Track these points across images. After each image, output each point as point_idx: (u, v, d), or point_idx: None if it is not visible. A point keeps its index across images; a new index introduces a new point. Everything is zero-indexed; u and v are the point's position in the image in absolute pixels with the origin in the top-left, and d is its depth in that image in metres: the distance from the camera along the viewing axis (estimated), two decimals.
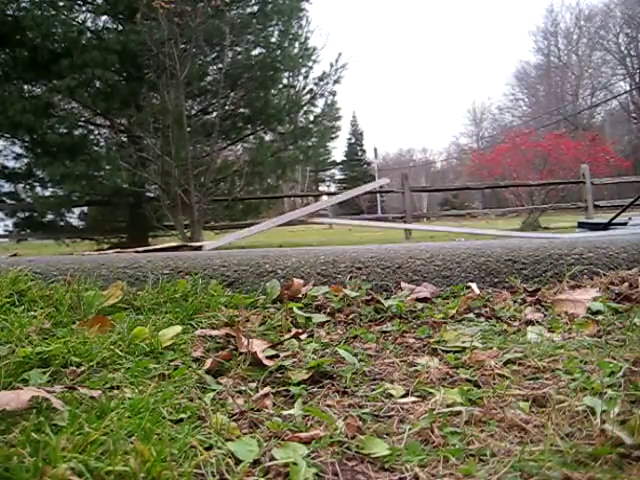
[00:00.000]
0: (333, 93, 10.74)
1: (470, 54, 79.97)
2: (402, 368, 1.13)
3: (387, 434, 0.83)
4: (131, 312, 1.53)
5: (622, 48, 36.08)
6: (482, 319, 1.47)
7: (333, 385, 1.05)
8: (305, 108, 10.72)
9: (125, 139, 9.51)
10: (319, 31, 23.94)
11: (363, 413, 0.91)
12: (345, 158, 43.68)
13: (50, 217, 9.87)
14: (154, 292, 1.66)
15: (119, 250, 3.39)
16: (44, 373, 1.04)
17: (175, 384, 1.02)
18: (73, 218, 10.20)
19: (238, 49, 9.80)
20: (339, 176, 44.60)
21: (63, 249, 9.78)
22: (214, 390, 1.01)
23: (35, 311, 1.46)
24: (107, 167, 8.82)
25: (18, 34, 8.50)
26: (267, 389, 1.01)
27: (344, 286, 1.73)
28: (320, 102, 10.99)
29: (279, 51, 9.94)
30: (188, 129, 8.40)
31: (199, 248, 3.57)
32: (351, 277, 1.83)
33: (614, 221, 4.79)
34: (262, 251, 2.14)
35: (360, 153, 44.02)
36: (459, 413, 0.87)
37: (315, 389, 1.04)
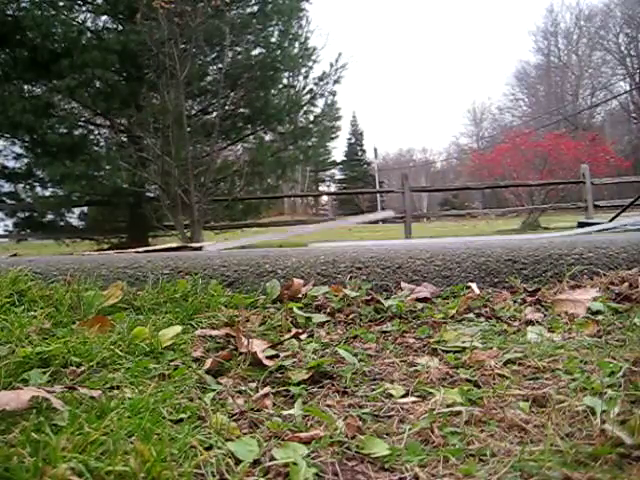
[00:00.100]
0: (333, 93, 10.74)
1: (470, 54, 79.97)
2: (402, 368, 1.13)
3: (387, 434, 0.83)
4: (131, 312, 1.53)
5: (622, 48, 36.09)
6: (482, 319, 1.47)
7: (333, 385, 1.05)
8: (305, 108, 10.71)
9: (125, 139, 9.50)
10: (319, 31, 24.03)
11: (363, 413, 0.91)
12: (345, 158, 43.67)
13: (50, 217, 9.87)
14: (154, 292, 1.66)
15: (119, 250, 3.39)
16: (44, 373, 1.04)
17: (175, 384, 1.02)
18: (73, 218, 10.20)
19: (238, 49, 9.79)
20: (339, 176, 44.60)
21: (63, 249, 9.78)
22: (214, 390, 1.01)
23: (35, 311, 1.46)
24: (107, 167, 8.82)
25: (18, 34, 8.50)
26: (267, 389, 1.01)
27: (344, 286, 1.73)
28: (320, 102, 11.01)
29: (279, 51, 9.94)
30: (188, 129, 8.40)
31: (199, 249, 3.57)
32: (351, 277, 1.83)
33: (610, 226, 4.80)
34: (262, 251, 2.14)
35: (360, 153, 44.00)
36: (459, 413, 0.87)
37: (315, 389, 1.04)
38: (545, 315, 1.48)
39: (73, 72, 8.25)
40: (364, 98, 78.29)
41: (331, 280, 1.83)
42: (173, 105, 8.11)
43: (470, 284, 1.76)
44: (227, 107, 9.77)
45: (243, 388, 1.03)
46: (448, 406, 0.90)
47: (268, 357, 1.16)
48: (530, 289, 1.73)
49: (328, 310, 1.58)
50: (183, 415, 0.87)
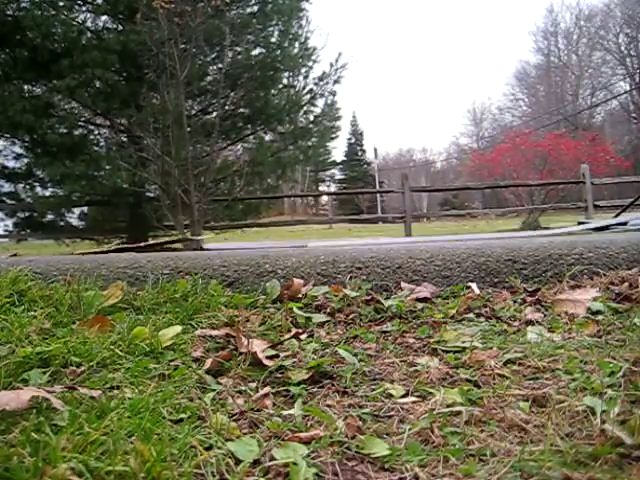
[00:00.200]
0: (333, 93, 10.74)
1: (470, 54, 79.98)
2: (402, 368, 1.13)
3: (387, 434, 0.83)
4: (131, 312, 1.53)
5: (622, 48, 36.09)
6: (482, 319, 1.47)
7: (333, 385, 1.05)
8: (305, 108, 10.71)
9: (125, 139, 9.50)
10: (319, 31, 24.02)
11: (363, 413, 0.91)
12: (345, 158, 43.67)
13: (50, 217, 9.86)
14: (154, 292, 1.66)
15: (119, 248, 3.39)
16: (44, 373, 1.04)
17: (175, 384, 1.02)
18: (73, 218, 10.20)
19: (238, 49, 9.79)
20: (339, 176, 44.60)
21: (63, 249, 9.78)
22: (214, 390, 1.01)
23: (35, 311, 1.46)
24: (107, 167, 8.82)
25: (18, 34, 8.49)
26: (267, 389, 1.01)
27: (344, 286, 1.73)
28: (320, 102, 11.01)
29: (279, 51, 9.94)
30: (188, 129, 8.40)
31: (200, 242, 3.58)
32: (351, 277, 1.83)
33: (614, 222, 4.79)
34: (262, 251, 2.14)
35: (360, 153, 44.00)
36: (459, 413, 0.87)
37: (315, 389, 1.04)
38: (545, 315, 1.48)
39: (73, 72, 8.24)
40: (364, 98, 78.31)
41: (331, 280, 1.83)
42: (173, 105, 8.11)
43: (470, 284, 1.76)
44: (227, 107, 9.76)
45: (243, 388, 1.03)
46: (448, 406, 0.90)
47: (268, 357, 1.16)
48: (530, 289, 1.73)
49: (328, 310, 1.58)
50: (183, 415, 0.87)
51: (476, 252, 1.92)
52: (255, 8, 9.99)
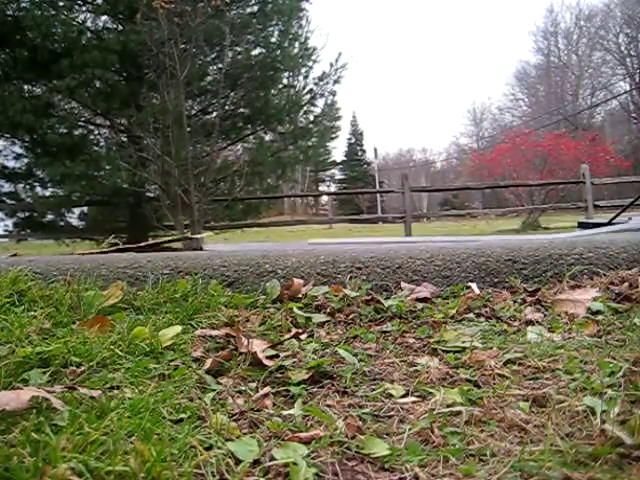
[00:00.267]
0: (333, 93, 10.74)
1: (470, 54, 79.97)
2: (402, 368, 1.13)
3: (387, 434, 0.83)
4: (131, 312, 1.53)
5: (622, 48, 36.09)
6: (482, 319, 1.47)
7: (333, 385, 1.05)
8: (305, 108, 10.71)
9: (125, 139, 9.50)
10: (319, 31, 23.99)
11: (363, 413, 0.91)
12: (345, 158, 43.66)
13: (50, 217, 9.86)
14: (154, 292, 1.66)
15: (119, 248, 3.40)
16: (44, 373, 1.04)
17: (175, 384, 1.02)
18: (73, 218, 10.20)
19: (238, 49, 9.79)
20: (339, 176, 44.60)
21: (63, 249, 9.78)
22: (214, 390, 1.01)
23: (35, 311, 1.46)
24: (107, 167, 8.82)
25: (18, 34, 8.49)
26: (267, 389, 1.01)
27: (344, 286, 1.73)
28: (320, 102, 11.01)
29: (279, 51, 9.93)
30: (188, 129, 8.40)
31: (200, 240, 3.58)
32: (351, 277, 1.83)
33: (614, 221, 4.80)
34: (262, 251, 2.14)
35: (360, 153, 43.99)
36: (459, 413, 0.87)
37: (315, 389, 1.04)
38: (545, 315, 1.48)
39: (73, 72, 8.24)
40: (364, 98, 78.31)
41: (331, 280, 1.83)
42: (173, 105, 8.11)
43: (470, 284, 1.76)
44: (227, 107, 9.77)
45: (243, 388, 1.03)
46: (448, 406, 0.90)
47: (268, 357, 1.16)
48: (530, 289, 1.73)
49: (328, 310, 1.58)
50: (183, 415, 0.87)
51: (476, 252, 1.92)
52: (255, 8, 9.99)
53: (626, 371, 0.96)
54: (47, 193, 9.61)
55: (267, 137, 10.71)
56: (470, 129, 48.47)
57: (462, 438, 0.80)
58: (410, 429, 0.84)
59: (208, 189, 8.74)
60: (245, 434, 0.83)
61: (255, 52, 10.01)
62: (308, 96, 10.59)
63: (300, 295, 1.67)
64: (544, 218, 13.82)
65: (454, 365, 1.12)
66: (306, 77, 10.99)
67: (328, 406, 0.95)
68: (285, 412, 0.92)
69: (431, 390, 0.98)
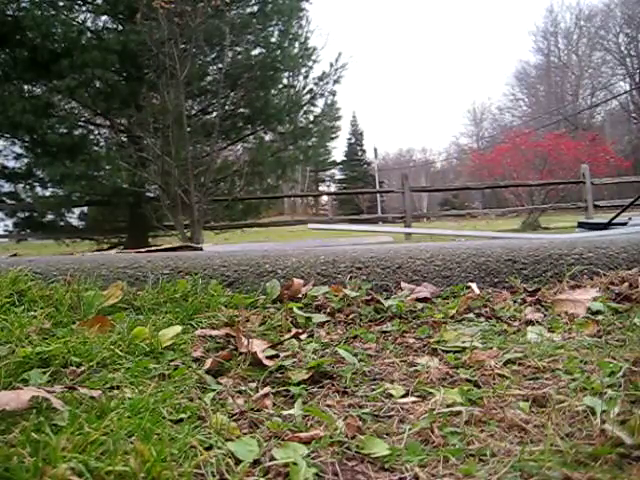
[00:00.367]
0: (333, 93, 10.74)
1: (470, 54, 79.99)
2: (402, 368, 1.13)
3: (387, 434, 0.83)
4: (131, 312, 1.53)
5: (622, 48, 36.08)
6: (482, 319, 1.47)
7: (333, 385, 1.05)
8: (305, 108, 10.71)
9: (125, 139, 9.50)
10: (319, 31, 23.96)
11: (363, 413, 0.91)
12: (345, 158, 43.64)
13: (50, 217, 9.86)
14: (154, 292, 1.66)
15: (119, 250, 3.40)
16: (44, 373, 1.04)
17: (175, 384, 1.02)
18: (73, 218, 10.20)
19: (238, 49, 9.79)
20: (339, 176, 44.58)
21: (63, 249, 9.78)
22: (214, 390, 1.01)
23: (35, 311, 1.46)
24: (107, 167, 8.82)
25: (18, 34, 8.50)
26: (267, 389, 1.01)
27: (344, 286, 1.73)
28: (320, 102, 11.01)
29: (279, 51, 9.94)
30: (188, 129, 8.40)
31: (200, 249, 3.57)
32: (351, 277, 1.83)
33: (614, 221, 4.79)
34: (262, 251, 2.14)
35: (360, 153, 43.97)
36: (459, 413, 0.87)
37: (315, 389, 1.04)
38: (545, 315, 1.48)
39: (73, 72, 8.25)
40: (364, 98, 78.30)
41: (331, 280, 1.83)
42: (173, 105, 8.11)
43: (470, 284, 1.76)
44: (227, 107, 9.77)
45: (243, 388, 1.03)
46: (448, 406, 0.90)
47: (268, 357, 1.16)
48: (530, 289, 1.73)
49: (328, 310, 1.58)
50: (183, 415, 0.87)
51: (476, 252, 1.92)
52: (255, 8, 10.00)
53: (626, 371, 0.96)
54: (47, 193, 9.62)
55: (267, 137, 10.71)
56: (470, 129, 48.50)
57: (462, 438, 0.80)
58: (410, 429, 0.84)
59: (208, 189, 8.74)
60: (245, 434, 0.83)
61: (255, 52, 10.01)
62: (308, 96, 10.60)
63: (300, 295, 1.67)
64: (544, 218, 13.81)
65: (454, 365, 1.12)
66: (306, 77, 11.00)
67: (328, 406, 0.95)
68: (285, 412, 0.92)
69: (431, 390, 0.98)
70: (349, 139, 44.16)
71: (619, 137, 32.94)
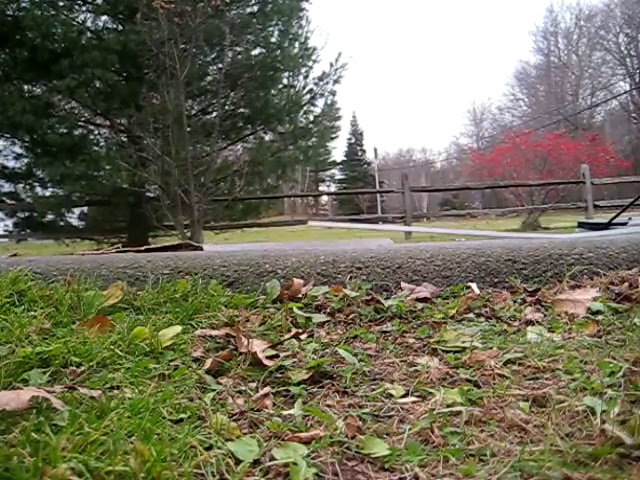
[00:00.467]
0: (333, 93, 10.74)
1: (470, 54, 79.98)
2: (402, 368, 1.13)
3: (387, 434, 0.83)
4: (131, 312, 1.53)
5: (622, 48, 36.07)
6: (482, 319, 1.47)
7: (333, 385, 1.05)
8: (305, 108, 10.71)
9: (125, 139, 9.50)
10: (319, 31, 23.95)
11: (363, 413, 0.91)
12: (345, 158, 43.63)
13: (50, 217, 9.87)
14: (154, 292, 1.66)
15: (119, 250, 3.40)
16: (44, 373, 1.04)
17: (175, 384, 1.02)
18: (73, 218, 10.20)
19: (238, 49, 9.79)
20: (339, 176, 44.57)
21: (63, 249, 9.78)
22: (214, 390, 1.01)
23: (35, 311, 1.46)
24: (107, 167, 8.82)
25: (18, 34, 8.50)
26: (267, 389, 1.01)
27: (344, 286, 1.73)
28: (320, 102, 11.01)
29: (279, 51, 9.94)
30: (188, 129, 8.40)
31: (200, 248, 3.58)
32: (351, 277, 1.83)
33: (614, 221, 4.79)
34: (262, 251, 2.14)
35: (360, 153, 43.96)
36: (459, 413, 0.87)
37: (315, 389, 1.04)
38: (545, 315, 1.48)
39: (73, 72, 8.25)
40: (364, 98, 78.28)
41: (331, 280, 1.83)
42: (173, 105, 8.11)
43: (470, 284, 1.76)
44: (227, 107, 9.77)
45: (243, 388, 1.03)
46: (448, 406, 0.90)
47: (268, 357, 1.16)
48: (530, 289, 1.73)
49: (328, 310, 1.58)
50: (183, 415, 0.87)
51: (476, 252, 1.92)
52: (255, 8, 10.00)
53: (626, 371, 0.97)
54: (47, 193, 9.62)
55: (267, 137, 10.72)
56: (470, 129, 48.49)
57: (462, 438, 0.80)
58: (410, 429, 0.84)
59: (208, 189, 8.74)
60: (245, 434, 0.83)
61: (255, 52, 10.02)
62: (308, 96, 10.60)
63: (300, 295, 1.67)
64: (544, 218, 13.81)
65: (454, 365, 1.12)
66: (306, 77, 11.00)
67: (328, 406, 0.95)
68: (285, 412, 0.92)
69: (431, 390, 0.98)
70: (349, 139, 44.16)
71: (619, 137, 32.94)
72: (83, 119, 9.83)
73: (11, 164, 9.62)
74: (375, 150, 38.90)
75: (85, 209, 10.47)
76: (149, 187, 9.29)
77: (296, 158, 10.78)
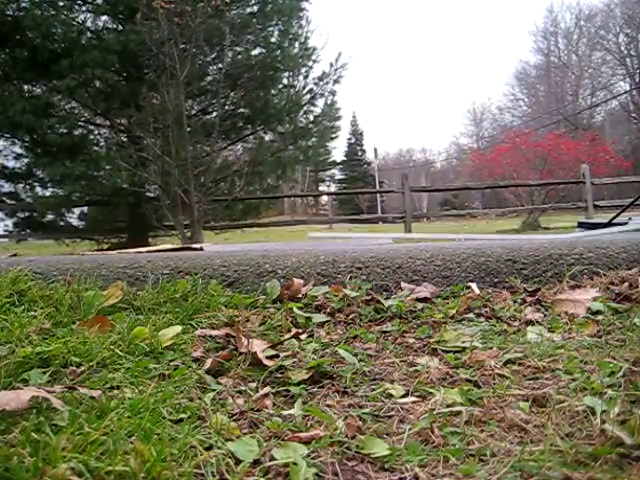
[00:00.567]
0: (333, 93, 10.74)
1: (470, 54, 79.99)
2: (402, 368, 1.13)
3: (387, 434, 0.83)
4: (131, 312, 1.53)
5: (622, 48, 36.07)
6: (482, 319, 1.47)
7: (333, 385, 1.05)
8: (305, 108, 10.71)
9: (125, 139, 9.50)
10: (319, 31, 23.98)
11: (363, 413, 0.91)
12: (345, 158, 43.65)
13: (50, 217, 9.87)
14: (154, 292, 1.66)
15: (120, 251, 3.40)
16: (44, 373, 1.04)
17: (175, 384, 1.02)
18: (73, 218, 10.21)
19: (238, 49, 9.79)
20: (339, 176, 44.60)
21: (63, 249, 9.78)
22: (214, 390, 1.01)
23: (35, 311, 1.46)
24: (107, 167, 8.82)
25: (18, 34, 8.50)
26: (267, 389, 1.01)
27: (344, 286, 1.73)
28: (320, 102, 11.01)
29: (279, 51, 9.94)
30: (188, 129, 8.40)
31: (200, 249, 3.57)
32: (351, 277, 1.83)
33: (614, 221, 4.79)
34: (262, 251, 2.14)
35: (360, 153, 43.99)
36: (459, 413, 0.87)
37: (315, 389, 1.04)
38: (545, 315, 1.48)
39: (73, 72, 8.25)
40: (364, 98, 78.29)
41: (331, 280, 1.83)
42: (173, 105, 8.11)
43: (470, 284, 1.76)
44: (227, 107, 9.77)
45: (243, 388, 1.03)
46: (448, 406, 0.90)
47: (268, 357, 1.16)
48: (530, 289, 1.73)
49: (328, 310, 1.58)
50: (183, 415, 0.87)
51: (476, 252, 1.92)
52: (255, 8, 10.00)
53: (626, 371, 0.96)
54: (47, 193, 9.62)
55: (267, 137, 10.72)
56: (470, 129, 48.52)
57: (462, 438, 0.80)
58: (410, 429, 0.83)
59: (208, 189, 8.74)
60: (245, 434, 0.83)
61: (255, 52, 10.02)
62: (308, 96, 10.60)
63: (300, 295, 1.67)
64: (544, 218, 13.81)
65: (454, 365, 1.12)
66: (306, 77, 11.00)
67: (328, 406, 0.95)
68: (285, 412, 0.92)
69: (431, 390, 0.98)
70: (349, 139, 44.18)
71: (619, 137, 32.93)
72: (83, 119, 9.83)
73: (11, 164, 9.64)
74: (375, 150, 38.93)
75: (85, 209, 10.48)
76: (149, 187, 9.29)
77: (296, 158, 10.77)
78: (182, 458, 0.71)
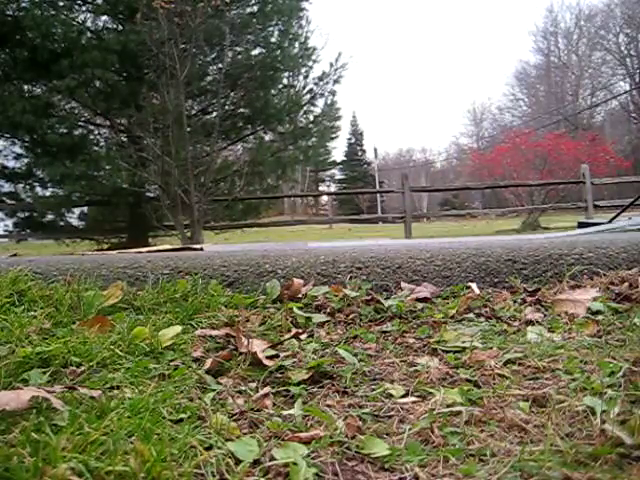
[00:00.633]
0: (333, 93, 10.74)
1: (470, 54, 80.00)
2: (402, 368, 1.13)
3: (387, 434, 0.83)
4: (131, 312, 1.53)
5: (622, 48, 36.08)
6: (482, 319, 1.47)
7: (333, 385, 1.05)
8: (305, 108, 10.71)
9: (125, 139, 9.51)
10: (319, 31, 23.99)
11: (363, 413, 0.91)
12: (345, 158, 43.66)
13: (50, 217, 9.87)
14: (154, 292, 1.66)
15: (120, 250, 3.39)
16: (44, 373, 1.04)
17: (175, 384, 1.02)
18: (73, 218, 10.21)
19: (238, 49, 9.80)
20: (339, 176, 44.61)
21: (63, 249, 9.79)
22: (214, 390, 1.01)
23: (35, 311, 1.46)
24: (107, 167, 8.82)
25: (18, 34, 8.50)
26: (267, 389, 1.01)
27: (344, 286, 1.73)
28: (320, 102, 11.01)
29: (279, 51, 9.94)
30: (188, 129, 8.40)
31: (200, 250, 3.57)
32: (351, 277, 1.83)
33: (614, 221, 4.79)
34: (262, 251, 2.14)
35: (360, 153, 44.00)
36: (459, 413, 0.87)
37: (315, 389, 1.04)
38: (545, 315, 1.48)
39: (73, 72, 8.25)
40: (364, 98, 78.29)
41: (331, 280, 1.83)
42: (173, 105, 8.11)
43: (470, 284, 1.75)
44: (227, 107, 9.77)
45: (243, 388, 1.03)
46: (448, 406, 0.90)
47: (268, 357, 1.16)
48: (530, 289, 1.73)
49: (328, 310, 1.58)
50: (183, 415, 0.87)
51: (476, 252, 1.92)
52: (255, 8, 10.00)
53: (626, 371, 0.96)
54: (47, 193, 9.62)
55: (267, 137, 10.72)
56: (470, 129, 48.54)
57: (462, 438, 0.80)
58: (410, 429, 0.83)
59: (208, 189, 8.74)
60: (245, 434, 0.83)
61: (255, 52, 10.02)
62: (308, 96, 10.61)
63: (300, 295, 1.67)
64: (544, 218, 13.82)
65: (454, 365, 1.12)
66: (306, 77, 11.01)
67: (328, 406, 0.95)
68: (285, 412, 0.92)
69: (431, 390, 0.98)
70: (349, 139, 44.19)
71: (619, 137, 32.93)
72: (83, 119, 9.84)
73: (11, 164, 9.64)
74: (375, 150, 38.94)
75: (85, 209, 10.48)
76: (149, 187, 9.29)
77: (296, 158, 10.78)
78: (182, 458, 0.71)
